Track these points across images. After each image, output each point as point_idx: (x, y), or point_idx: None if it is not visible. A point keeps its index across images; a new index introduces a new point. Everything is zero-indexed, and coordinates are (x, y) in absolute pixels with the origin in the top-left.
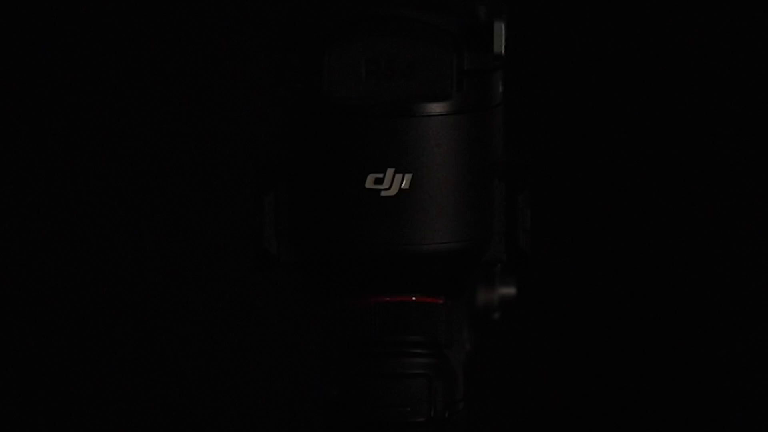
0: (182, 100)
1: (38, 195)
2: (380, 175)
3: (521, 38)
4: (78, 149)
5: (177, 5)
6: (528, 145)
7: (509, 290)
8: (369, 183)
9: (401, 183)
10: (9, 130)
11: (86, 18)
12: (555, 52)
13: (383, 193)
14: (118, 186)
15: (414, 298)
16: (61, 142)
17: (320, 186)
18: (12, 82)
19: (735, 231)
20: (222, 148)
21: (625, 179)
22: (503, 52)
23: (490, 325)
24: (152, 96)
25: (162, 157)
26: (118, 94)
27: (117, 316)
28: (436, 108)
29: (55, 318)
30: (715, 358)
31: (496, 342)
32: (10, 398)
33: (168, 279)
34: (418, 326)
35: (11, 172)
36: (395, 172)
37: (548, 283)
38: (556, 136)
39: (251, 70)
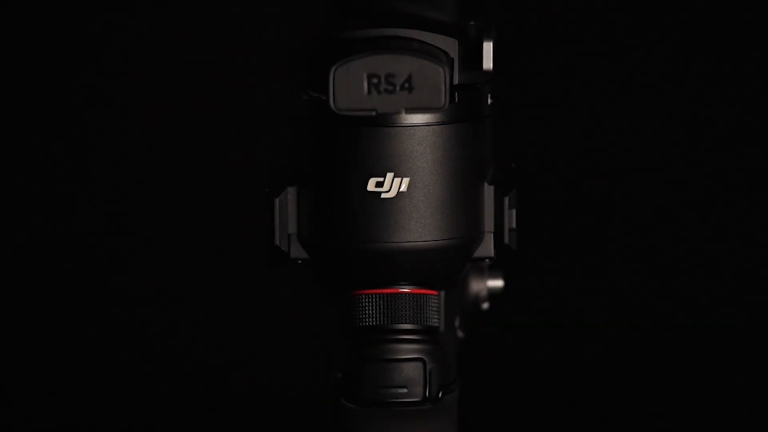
0: (202, 112)
1: (55, 194)
2: (381, 179)
3: (510, 49)
4: (90, 151)
5: (196, 15)
6: (515, 151)
7: (497, 282)
8: (370, 186)
9: (400, 186)
10: (30, 131)
11: (96, 22)
12: (542, 61)
13: (383, 195)
14: (137, 187)
15: (411, 290)
16: (76, 143)
17: (326, 189)
18: (31, 85)
19: (724, 231)
20: (236, 155)
21: (612, 180)
22: (492, 68)
23: (480, 315)
24: (172, 106)
25: (182, 164)
26: (135, 97)
27: (131, 314)
28: (431, 118)
29: (67, 312)
30: (711, 357)
31: (488, 341)
32: (12, 398)
33: (185, 275)
34: (415, 315)
35: (29, 173)
36: (394, 176)
37: (539, 280)
38: (543, 142)
39: (265, 81)
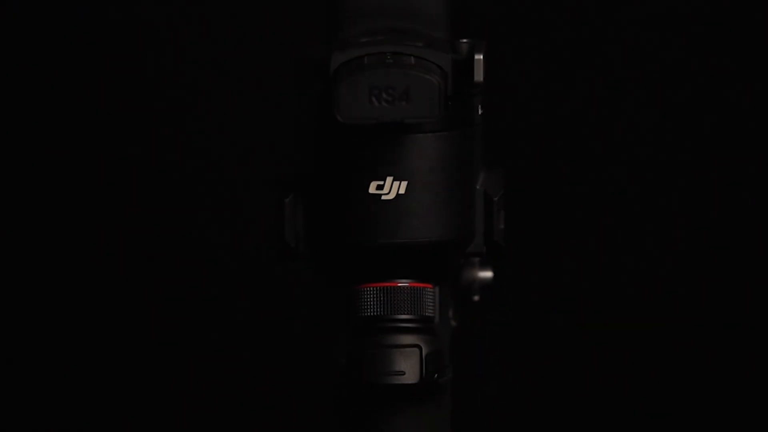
0: (206, 114)
1: (54, 195)
2: (381, 182)
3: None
4: (92, 152)
5: (201, 18)
6: (514, 153)
7: (487, 276)
8: (372, 189)
9: (399, 189)
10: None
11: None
12: (537, 62)
13: (383, 197)
14: (139, 187)
15: (409, 284)
16: (79, 145)
17: (331, 191)
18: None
19: (725, 231)
20: (249, 159)
21: (614, 181)
22: (482, 80)
23: (472, 306)
24: (175, 108)
25: (186, 166)
26: (139, 98)
27: (131, 314)
28: (426, 126)
29: (67, 312)
30: (711, 357)
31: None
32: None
33: (187, 275)
34: (412, 307)
35: (55, 175)
36: (393, 180)
37: (538, 280)
38: (544, 143)
39: (271, 83)
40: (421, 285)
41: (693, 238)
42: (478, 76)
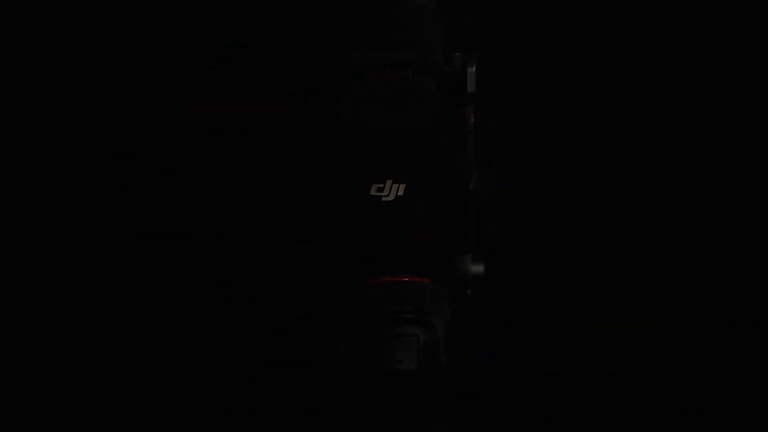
0: (213, 117)
1: (55, 196)
2: (381, 185)
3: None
4: (92, 152)
5: (212, 25)
6: (504, 158)
7: (478, 271)
8: (373, 191)
9: (397, 191)
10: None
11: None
12: (535, 62)
13: (384, 199)
14: (142, 187)
15: (407, 279)
16: (92, 145)
17: (335, 193)
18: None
19: (725, 230)
20: (252, 161)
21: (614, 181)
22: (474, 91)
23: (465, 300)
24: (180, 109)
25: (195, 168)
26: (147, 99)
27: (164, 303)
28: (424, 133)
29: (81, 308)
30: (712, 356)
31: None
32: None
33: (201, 271)
34: (410, 299)
35: (80, 176)
36: (393, 183)
37: (538, 280)
38: (547, 144)
39: (280, 89)
40: (419, 280)
41: (693, 238)
42: (471, 87)
